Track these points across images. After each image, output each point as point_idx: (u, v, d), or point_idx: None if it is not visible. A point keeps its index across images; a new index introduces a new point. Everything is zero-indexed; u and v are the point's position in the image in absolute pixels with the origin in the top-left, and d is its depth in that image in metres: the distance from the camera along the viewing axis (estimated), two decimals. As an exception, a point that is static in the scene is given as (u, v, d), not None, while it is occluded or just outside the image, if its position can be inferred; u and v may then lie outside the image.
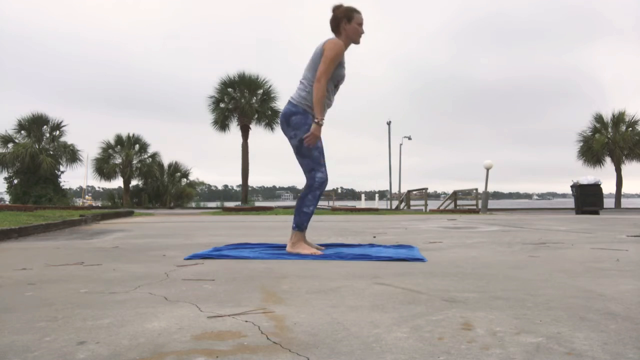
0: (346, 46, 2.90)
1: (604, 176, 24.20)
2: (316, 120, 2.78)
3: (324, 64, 2.78)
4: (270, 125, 22.18)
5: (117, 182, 25.54)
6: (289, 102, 2.94)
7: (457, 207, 17.88)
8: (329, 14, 2.90)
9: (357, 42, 2.93)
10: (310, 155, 2.88)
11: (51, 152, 21.75)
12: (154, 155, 25.23)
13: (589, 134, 24.47)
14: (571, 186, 13.70)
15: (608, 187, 18.30)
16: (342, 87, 3.04)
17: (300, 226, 2.90)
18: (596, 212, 12.46)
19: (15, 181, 21.37)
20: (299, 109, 2.87)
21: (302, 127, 2.85)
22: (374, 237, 4.21)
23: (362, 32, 2.91)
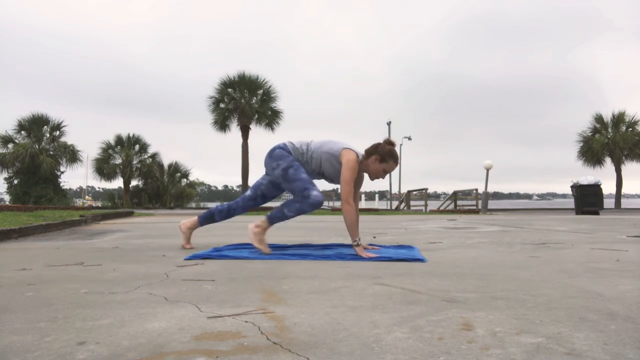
0: (361, 170, 2.97)
1: (604, 176, 24.20)
2: (354, 243, 2.79)
3: (346, 185, 2.82)
4: (270, 125, 22.18)
5: (117, 183, 25.57)
6: (282, 142, 3.02)
7: (457, 208, 17.89)
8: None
9: (371, 179, 3.02)
10: (300, 177, 2.90)
11: (51, 153, 21.75)
12: (154, 156, 25.24)
13: (589, 134, 24.47)
14: (571, 186, 13.70)
15: (608, 188, 18.29)
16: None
17: (272, 220, 2.97)
18: (596, 213, 12.47)
19: (15, 181, 21.37)
20: (286, 148, 2.96)
21: (285, 158, 2.92)
22: (374, 237, 4.21)
23: (381, 177, 2.99)
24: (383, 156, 2.90)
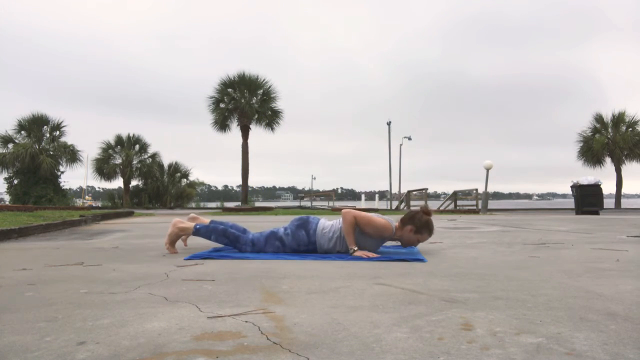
0: (395, 237, 2.92)
1: (604, 176, 24.19)
2: (350, 251, 2.76)
3: (368, 218, 2.80)
4: (270, 125, 22.17)
5: (117, 183, 25.57)
6: (321, 221, 2.95)
7: (457, 208, 17.88)
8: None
9: (403, 245, 2.98)
10: (269, 240, 2.91)
11: (51, 153, 21.75)
12: (154, 156, 25.24)
13: (589, 134, 24.47)
14: (571, 186, 13.70)
15: (608, 188, 18.29)
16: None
17: (198, 232, 2.98)
18: (596, 213, 12.46)
19: (15, 181, 21.37)
20: (315, 237, 2.89)
21: (295, 239, 2.89)
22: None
23: (415, 244, 2.95)
24: (419, 228, 2.86)
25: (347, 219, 2.79)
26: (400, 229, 2.88)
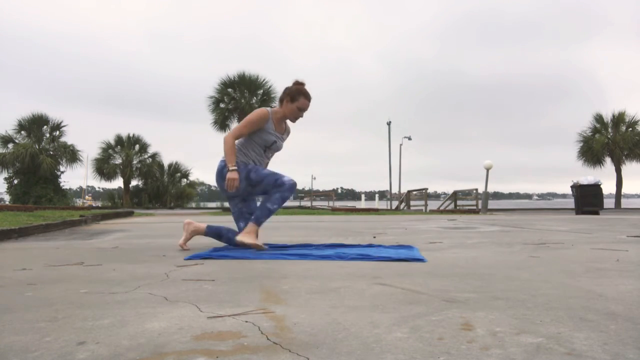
0: (284, 119, 3.09)
1: (604, 176, 24.21)
2: (228, 169, 2.91)
3: (240, 123, 3.00)
4: (270, 125, 22.21)
5: (117, 182, 25.60)
6: (222, 159, 3.06)
7: (457, 208, 17.89)
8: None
9: (292, 121, 3.13)
10: (264, 174, 2.97)
11: (51, 153, 21.78)
12: (154, 156, 25.28)
13: (589, 134, 24.50)
14: (571, 186, 13.71)
15: (608, 188, 18.29)
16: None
17: (258, 220, 2.99)
18: (596, 213, 12.47)
19: (15, 181, 21.40)
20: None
21: (239, 173, 2.98)
22: (374, 237, 4.21)
23: (300, 115, 3.08)
24: (292, 95, 3.01)
25: (226, 140, 2.94)
26: (280, 108, 3.05)
